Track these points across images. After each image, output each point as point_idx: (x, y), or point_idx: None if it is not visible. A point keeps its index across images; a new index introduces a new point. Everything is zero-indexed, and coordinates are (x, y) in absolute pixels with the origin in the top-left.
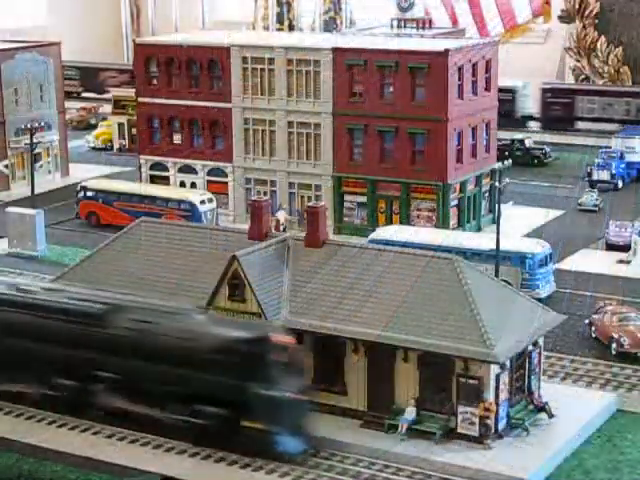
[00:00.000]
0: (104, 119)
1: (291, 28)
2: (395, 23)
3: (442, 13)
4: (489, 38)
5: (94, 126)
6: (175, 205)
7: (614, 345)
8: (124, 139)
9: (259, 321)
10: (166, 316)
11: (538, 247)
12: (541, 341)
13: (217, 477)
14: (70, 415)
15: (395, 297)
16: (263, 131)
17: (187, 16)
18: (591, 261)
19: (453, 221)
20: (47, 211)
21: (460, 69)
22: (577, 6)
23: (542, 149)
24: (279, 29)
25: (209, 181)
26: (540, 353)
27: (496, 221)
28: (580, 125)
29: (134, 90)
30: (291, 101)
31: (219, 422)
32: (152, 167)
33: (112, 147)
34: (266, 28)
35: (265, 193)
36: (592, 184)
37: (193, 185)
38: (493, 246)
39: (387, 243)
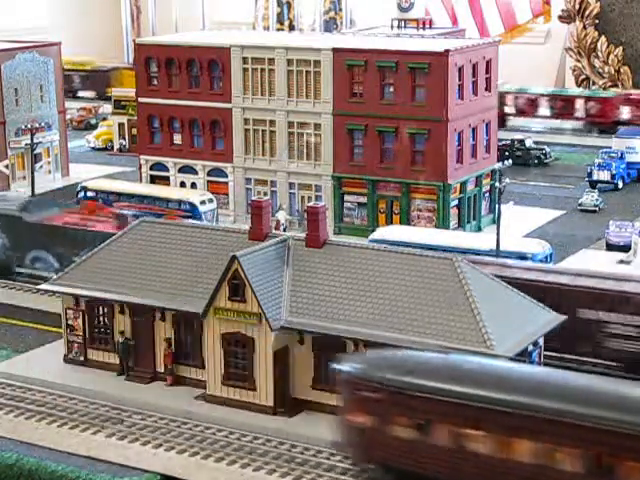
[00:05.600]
0: (104, 119)
1: (291, 28)
2: (395, 23)
3: (442, 13)
4: (489, 38)
5: (94, 126)
6: (175, 205)
7: None
8: (124, 139)
9: None
10: None
11: (538, 247)
12: (541, 341)
13: (217, 477)
14: None
15: (395, 297)
16: (263, 131)
17: (187, 16)
18: (591, 261)
19: (453, 221)
20: None
21: (460, 69)
22: (577, 6)
23: (542, 149)
24: (279, 29)
25: (209, 181)
26: (540, 353)
27: (496, 221)
28: None
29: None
30: (291, 101)
31: None
32: (152, 167)
33: (112, 147)
34: (266, 28)
35: (265, 193)
36: (592, 184)
37: (193, 185)
38: (493, 246)
39: (387, 243)
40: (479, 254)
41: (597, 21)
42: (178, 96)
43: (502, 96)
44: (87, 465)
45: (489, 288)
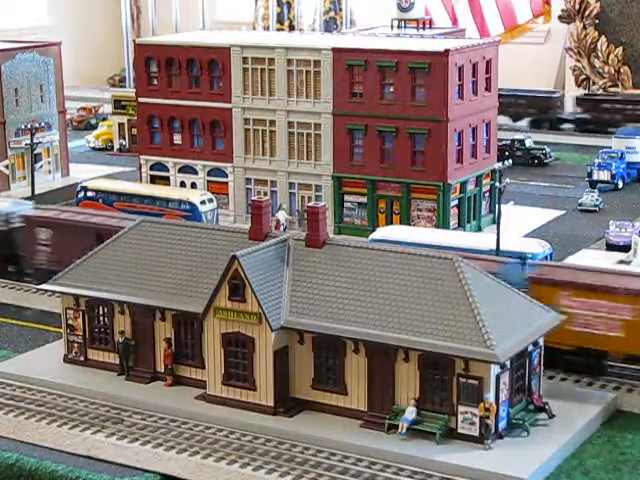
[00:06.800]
0: (104, 119)
1: (291, 28)
2: (395, 23)
3: (442, 13)
4: (489, 38)
5: (94, 126)
6: (175, 205)
7: None
8: (124, 139)
9: None
10: None
11: (539, 247)
12: (541, 341)
13: (217, 477)
14: None
15: (395, 297)
16: (263, 131)
17: (187, 16)
18: (591, 261)
19: (453, 221)
20: None
21: (460, 69)
22: (577, 6)
23: (542, 149)
24: (279, 29)
25: (209, 181)
26: (540, 353)
27: (496, 221)
28: None
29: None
30: (291, 101)
31: None
32: (152, 167)
33: (112, 147)
34: (266, 28)
35: (265, 193)
36: (592, 184)
37: (193, 185)
38: (493, 246)
39: (387, 243)
40: (479, 254)
41: (597, 21)
42: (178, 96)
43: None
44: (87, 465)
45: (489, 288)
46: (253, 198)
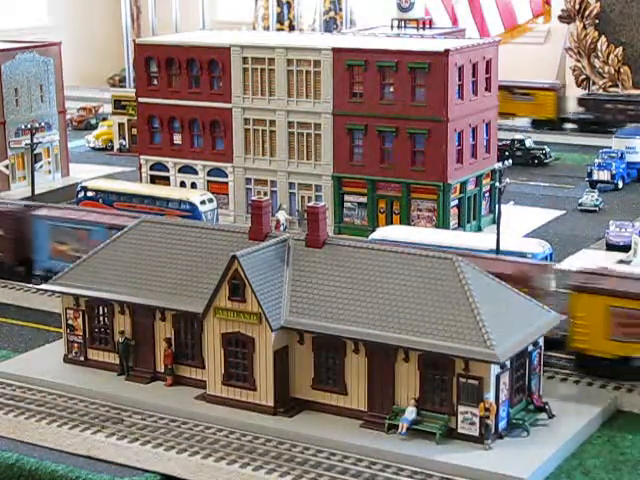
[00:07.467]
0: (104, 119)
1: (291, 28)
2: (395, 23)
3: (442, 13)
4: (489, 38)
5: (94, 126)
6: (175, 205)
7: None
8: (124, 139)
9: None
10: None
11: (539, 247)
12: (541, 341)
13: (217, 477)
14: None
15: (395, 297)
16: (263, 131)
17: (187, 16)
18: (591, 261)
19: (453, 221)
20: None
21: (460, 69)
22: (577, 6)
23: (542, 149)
24: (279, 29)
25: (209, 181)
26: (540, 353)
27: (496, 221)
28: None
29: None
30: (291, 101)
31: None
32: (152, 167)
33: (112, 147)
34: (266, 28)
35: (265, 193)
36: (592, 184)
37: (193, 185)
38: (493, 246)
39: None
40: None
41: (597, 21)
42: (178, 96)
43: None
44: (87, 465)
45: (489, 288)
46: (253, 198)
